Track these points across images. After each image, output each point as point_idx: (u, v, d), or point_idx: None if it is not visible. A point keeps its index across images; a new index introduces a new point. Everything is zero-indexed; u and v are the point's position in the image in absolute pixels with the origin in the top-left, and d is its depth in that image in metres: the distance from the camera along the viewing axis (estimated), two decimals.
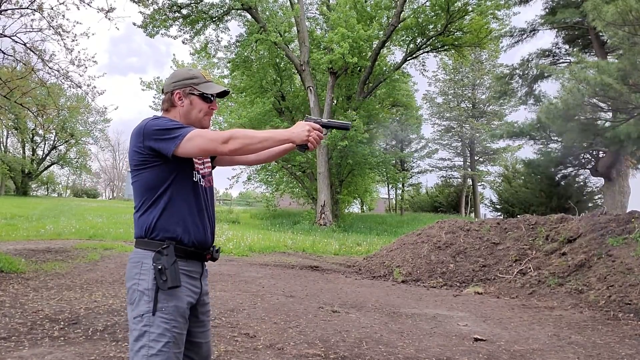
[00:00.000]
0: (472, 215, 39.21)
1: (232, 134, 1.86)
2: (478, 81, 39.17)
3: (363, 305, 6.59)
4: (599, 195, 22.28)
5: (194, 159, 2.04)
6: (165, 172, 1.96)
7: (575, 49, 19.46)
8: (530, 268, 8.73)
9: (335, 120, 2.10)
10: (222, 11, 24.23)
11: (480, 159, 41.34)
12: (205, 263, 2.16)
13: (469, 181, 40.55)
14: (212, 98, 2.13)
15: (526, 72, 20.43)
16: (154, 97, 35.08)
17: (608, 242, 8.20)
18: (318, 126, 1.99)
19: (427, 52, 26.00)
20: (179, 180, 1.98)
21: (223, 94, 2.17)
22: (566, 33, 19.88)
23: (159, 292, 1.87)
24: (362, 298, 7.18)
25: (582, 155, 20.23)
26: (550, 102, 7.99)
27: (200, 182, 2.07)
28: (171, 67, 32.01)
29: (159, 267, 1.87)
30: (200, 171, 2.09)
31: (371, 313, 6.12)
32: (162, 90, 2.17)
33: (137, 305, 1.88)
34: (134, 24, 22.89)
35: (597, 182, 22.06)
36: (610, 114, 10.97)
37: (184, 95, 2.10)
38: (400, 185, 39.13)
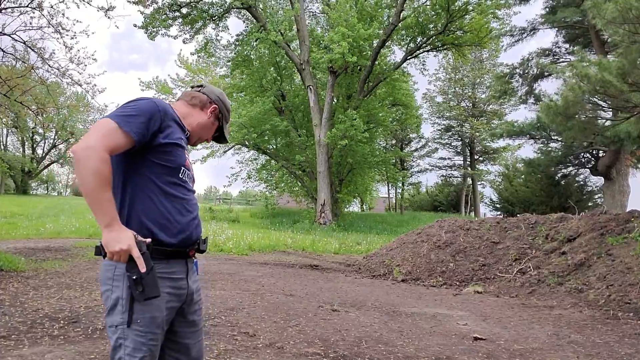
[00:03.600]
0: (472, 214, 39.22)
1: (93, 163, 1.63)
2: (478, 80, 39.17)
3: (363, 304, 6.59)
4: (599, 195, 22.30)
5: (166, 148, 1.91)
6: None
7: (576, 48, 19.46)
8: (530, 267, 8.73)
9: (152, 281, 1.69)
10: (221, 10, 24.21)
11: (480, 158, 41.35)
12: (193, 258, 2.04)
13: (469, 180, 40.56)
14: (216, 134, 2.25)
15: (526, 71, 20.44)
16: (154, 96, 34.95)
17: (608, 242, 8.21)
18: (137, 253, 1.66)
19: (427, 51, 25.99)
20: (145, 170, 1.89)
21: (223, 141, 2.32)
22: (566, 32, 19.88)
23: (134, 302, 1.70)
24: (362, 297, 7.18)
25: (582, 154, 20.25)
26: (550, 100, 7.99)
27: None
28: (175, 61, 31.90)
29: (134, 277, 1.66)
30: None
31: (371, 312, 6.12)
32: (202, 87, 2.22)
33: (111, 313, 1.74)
34: (135, 25, 22.89)
35: (597, 181, 22.08)
36: (610, 113, 10.98)
37: (215, 114, 2.18)
38: (400, 185, 39.15)
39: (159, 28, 23.07)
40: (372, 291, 7.87)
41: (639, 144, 15.58)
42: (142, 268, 1.64)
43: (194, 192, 2.06)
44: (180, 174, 1.91)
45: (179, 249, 1.87)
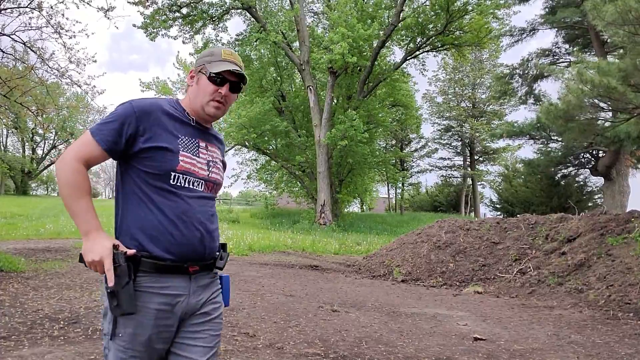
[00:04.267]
0: (472, 214, 39.23)
1: (64, 175, 1.63)
2: (478, 81, 39.18)
3: (363, 305, 6.59)
4: (599, 195, 22.30)
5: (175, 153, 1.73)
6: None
7: (575, 49, 19.47)
8: (530, 267, 8.73)
9: (127, 296, 1.58)
10: (221, 10, 24.23)
11: (480, 159, 41.35)
12: (211, 273, 1.85)
13: (469, 181, 40.57)
14: (218, 79, 1.82)
15: (526, 71, 20.45)
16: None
17: (608, 242, 8.20)
18: (108, 266, 1.55)
19: (427, 51, 26.00)
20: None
21: (237, 83, 1.87)
22: (566, 32, 19.89)
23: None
24: (362, 297, 7.18)
25: (582, 154, 20.25)
26: (551, 103, 7.99)
27: (182, 181, 1.74)
28: (173, 64, 31.85)
29: (108, 290, 1.56)
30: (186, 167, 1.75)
31: (371, 312, 6.12)
32: None
33: (103, 319, 1.69)
34: (134, 25, 22.90)
35: (597, 181, 22.08)
36: (610, 114, 10.98)
37: (196, 73, 1.88)
38: (400, 185, 39.15)
39: (159, 29, 23.08)
40: (372, 291, 7.87)
41: (638, 144, 15.59)
42: (110, 282, 1.53)
43: (209, 198, 1.83)
44: (172, 180, 1.70)
45: (175, 264, 1.68)
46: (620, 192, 17.15)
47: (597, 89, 7.06)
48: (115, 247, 1.59)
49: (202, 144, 1.85)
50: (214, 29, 25.54)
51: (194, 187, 1.76)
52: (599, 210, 9.74)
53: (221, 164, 1.96)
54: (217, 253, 1.86)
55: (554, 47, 20.64)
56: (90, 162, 1.68)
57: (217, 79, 1.82)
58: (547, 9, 19.31)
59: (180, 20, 23.43)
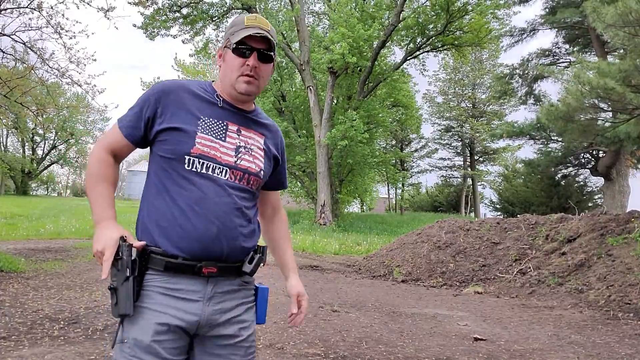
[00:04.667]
0: (472, 214, 39.23)
1: (89, 164, 1.59)
2: (478, 81, 39.19)
3: (363, 305, 6.59)
4: (599, 195, 22.29)
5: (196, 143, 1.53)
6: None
7: (575, 49, 19.48)
8: (530, 268, 8.73)
9: (124, 296, 1.41)
10: (222, 11, 24.23)
11: (480, 159, 41.37)
12: (238, 279, 1.58)
13: (469, 181, 40.57)
14: (243, 50, 1.58)
15: (526, 72, 20.45)
16: None
17: (608, 242, 8.20)
18: (107, 257, 1.38)
19: (427, 51, 26.00)
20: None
21: (266, 50, 1.60)
22: (566, 33, 19.89)
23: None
24: (362, 297, 7.18)
25: (582, 155, 20.25)
26: (551, 104, 8.00)
27: (202, 169, 1.51)
28: (172, 66, 31.84)
29: (110, 286, 1.42)
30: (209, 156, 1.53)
31: (371, 312, 6.12)
32: None
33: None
34: (134, 25, 22.91)
35: (597, 181, 22.07)
36: (610, 114, 10.98)
37: (222, 50, 1.66)
38: (400, 185, 39.16)
39: (159, 29, 23.08)
40: (372, 292, 7.87)
41: (638, 144, 15.58)
42: (104, 274, 1.36)
43: (237, 189, 1.56)
44: (186, 165, 1.50)
45: (187, 262, 1.46)
46: (620, 192, 17.14)
47: (596, 90, 7.07)
48: (122, 238, 1.42)
49: (233, 127, 1.61)
50: (215, 29, 25.53)
51: (215, 175, 1.52)
52: (599, 210, 9.75)
53: (261, 152, 1.67)
54: (247, 256, 1.58)
55: (554, 47, 20.66)
56: (116, 151, 1.59)
57: (243, 50, 1.57)
58: (547, 10, 19.32)
59: (180, 20, 23.44)
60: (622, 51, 7.38)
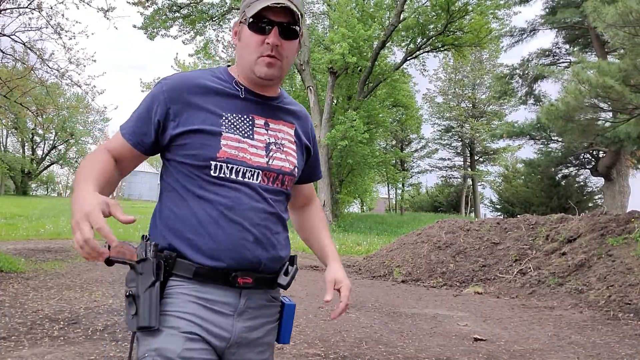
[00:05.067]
0: (472, 215, 39.22)
1: (80, 163, 1.33)
2: (478, 81, 39.19)
3: (363, 305, 6.59)
4: (599, 195, 22.28)
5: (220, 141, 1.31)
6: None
7: (575, 49, 19.48)
8: (530, 268, 8.72)
9: (148, 304, 1.18)
10: (222, 11, 24.24)
11: (480, 159, 41.36)
12: (269, 292, 1.39)
13: (469, 181, 40.57)
14: (261, 25, 1.32)
15: (526, 72, 20.45)
16: None
17: (608, 242, 8.20)
18: (93, 224, 1.04)
19: (427, 52, 26.00)
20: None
21: (289, 24, 1.33)
22: (566, 33, 19.89)
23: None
24: (362, 298, 7.18)
25: (583, 155, 20.24)
26: (551, 104, 8.00)
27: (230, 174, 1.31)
28: (172, 66, 31.67)
29: (127, 293, 1.20)
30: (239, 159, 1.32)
31: (371, 313, 6.11)
32: None
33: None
34: (134, 26, 22.91)
35: (598, 182, 22.07)
36: (610, 114, 10.98)
37: (237, 27, 1.41)
38: (400, 185, 39.16)
39: (159, 29, 23.08)
40: (372, 292, 7.87)
41: (638, 144, 15.57)
42: (112, 240, 1.07)
43: (270, 191, 1.37)
44: (213, 171, 1.29)
45: (219, 271, 1.27)
46: (620, 192, 17.14)
47: (595, 89, 7.07)
48: (144, 237, 1.27)
49: (260, 121, 1.39)
50: (215, 30, 25.53)
51: (246, 179, 1.32)
52: (600, 210, 9.75)
53: (293, 145, 1.46)
54: (282, 266, 1.40)
55: (554, 47, 20.66)
56: (121, 159, 1.35)
57: (261, 25, 1.31)
58: (547, 10, 19.32)
59: (180, 20, 23.43)
60: (621, 51, 7.38)
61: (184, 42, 24.92)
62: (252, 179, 1.33)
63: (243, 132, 1.35)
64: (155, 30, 23.07)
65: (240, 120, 1.36)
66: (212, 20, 24.32)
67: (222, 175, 1.30)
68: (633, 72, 7.00)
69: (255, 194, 1.33)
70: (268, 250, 1.33)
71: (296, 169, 1.44)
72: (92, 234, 1.02)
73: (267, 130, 1.40)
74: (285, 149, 1.42)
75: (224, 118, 1.34)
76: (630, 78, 7.10)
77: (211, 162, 1.29)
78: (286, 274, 1.39)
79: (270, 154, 1.38)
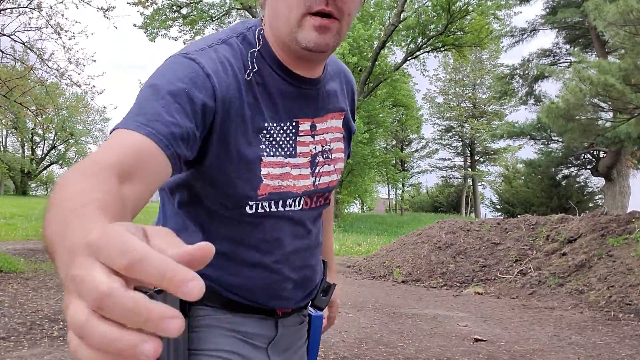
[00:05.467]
0: (473, 215, 39.22)
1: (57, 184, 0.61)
2: (478, 81, 39.18)
3: (363, 306, 6.57)
4: (600, 196, 22.27)
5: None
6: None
7: (576, 49, 19.48)
8: (530, 268, 8.71)
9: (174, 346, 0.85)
10: (222, 11, 24.23)
11: (481, 159, 41.35)
12: (302, 318, 1.16)
13: (469, 181, 40.56)
14: None
15: (526, 72, 20.45)
16: None
17: (608, 242, 8.19)
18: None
19: (428, 52, 25.99)
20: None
21: None
22: (567, 33, 19.89)
23: None
24: (362, 298, 7.16)
25: (583, 155, 20.23)
26: (552, 102, 8.00)
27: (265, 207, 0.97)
28: None
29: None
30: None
31: (371, 313, 6.10)
32: None
33: None
34: (134, 25, 22.91)
35: (598, 182, 22.05)
36: (610, 114, 10.97)
37: None
38: (401, 185, 39.15)
39: (159, 29, 23.09)
40: (372, 292, 7.86)
41: (639, 144, 15.55)
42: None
43: (311, 216, 1.06)
44: (249, 209, 0.95)
45: (253, 304, 1.02)
46: (621, 192, 17.13)
47: (596, 88, 7.07)
48: None
49: (305, 125, 0.99)
50: (215, 29, 25.52)
51: (287, 209, 0.99)
52: (600, 210, 9.74)
53: (341, 144, 1.10)
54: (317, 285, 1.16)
55: (554, 47, 20.66)
56: (134, 182, 0.69)
57: None
58: (547, 10, 19.32)
59: (180, 20, 23.43)
60: (622, 50, 7.38)
61: (184, 43, 24.92)
62: (294, 207, 1.00)
63: (286, 149, 0.96)
64: (155, 30, 23.07)
65: (282, 131, 0.96)
66: (213, 21, 24.31)
67: (259, 211, 0.95)
68: (634, 71, 7.00)
69: (298, 227, 1.03)
70: (307, 287, 1.11)
71: (339, 176, 1.12)
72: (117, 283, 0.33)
73: (313, 136, 1.01)
74: (333, 156, 1.07)
75: (265, 133, 0.93)
76: (630, 77, 7.10)
77: (248, 201, 0.93)
78: (325, 293, 1.17)
79: (317, 170, 1.02)
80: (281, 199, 0.97)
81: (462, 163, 42.14)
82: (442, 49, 25.57)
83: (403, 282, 9.22)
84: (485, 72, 38.16)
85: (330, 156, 1.06)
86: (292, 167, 0.97)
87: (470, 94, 39.88)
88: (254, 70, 0.93)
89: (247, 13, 24.58)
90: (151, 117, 0.75)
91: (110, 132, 0.76)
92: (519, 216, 11.44)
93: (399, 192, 41.82)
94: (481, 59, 38.08)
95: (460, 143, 41.51)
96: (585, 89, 7.29)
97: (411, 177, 41.98)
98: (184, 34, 24.34)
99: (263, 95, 0.93)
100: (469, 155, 40.95)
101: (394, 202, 45.67)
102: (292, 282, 1.05)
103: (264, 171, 0.92)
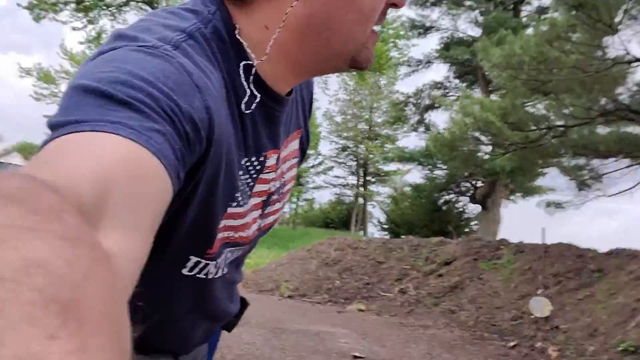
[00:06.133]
0: (361, 233, 40.57)
1: None
2: (375, 105, 40.84)
3: (247, 321, 6.42)
4: (475, 222, 24.09)
5: None
6: None
7: (464, 84, 21.08)
8: (410, 287, 9.13)
9: None
10: (120, 1, 22.98)
11: (372, 180, 42.99)
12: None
13: (360, 200, 41.97)
14: None
15: (419, 101, 21.69)
16: (34, 85, 29.05)
17: (480, 266, 8.84)
18: None
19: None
20: None
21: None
22: (457, 68, 21.46)
23: None
24: (247, 313, 6.98)
25: (463, 183, 21.80)
26: (439, 132, 8.58)
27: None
28: (57, 53, 29.04)
29: None
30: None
31: (255, 329, 5.98)
32: None
33: None
34: (19, 5, 20.93)
35: (475, 209, 23.87)
36: (490, 148, 11.94)
37: None
38: (295, 200, 39.48)
39: (47, 11, 21.31)
40: (258, 307, 7.73)
41: (512, 177, 17.10)
42: None
43: (240, 262, 0.91)
44: (187, 269, 0.73)
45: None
46: (493, 220, 18.64)
47: (478, 123, 7.67)
48: None
49: (272, 159, 0.77)
50: (112, 20, 24.10)
51: (222, 261, 0.79)
52: (474, 236, 10.51)
53: (295, 168, 0.95)
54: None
55: (445, 80, 22.19)
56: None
57: None
58: (441, 45, 20.74)
59: (72, 5, 21.81)
60: (503, 91, 8.08)
61: (74, 29, 23.21)
62: (232, 255, 0.81)
63: (244, 193, 0.74)
64: (42, 12, 21.25)
65: (249, 170, 0.74)
66: (108, 10, 22.93)
67: (195, 271, 0.74)
68: (511, 111, 7.66)
69: (222, 279, 0.82)
70: (220, 325, 1.01)
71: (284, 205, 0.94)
72: None
73: (277, 169, 0.80)
74: (287, 186, 0.89)
75: (240, 180, 0.72)
76: (508, 116, 7.76)
77: (192, 258, 0.72)
78: (238, 315, 1.05)
79: (267, 210, 0.83)
80: (223, 251, 0.76)
81: (355, 182, 43.55)
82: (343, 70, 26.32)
83: (289, 297, 9.20)
84: (382, 97, 39.89)
85: (283, 190, 0.86)
86: (244, 215, 0.75)
87: (367, 117, 41.46)
88: (250, 96, 0.66)
89: (149, 8, 23.57)
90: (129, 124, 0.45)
91: (55, 138, 0.43)
92: (403, 237, 11.99)
93: (293, 206, 42.16)
94: (379, 84, 39.84)
95: (355, 162, 42.89)
96: (469, 123, 7.87)
97: (306, 192, 42.53)
98: (75, 19, 22.64)
99: (248, 128, 0.69)
100: (362, 175, 42.42)
101: (287, 216, 45.91)
102: (206, 327, 0.92)
103: (222, 223, 0.71)
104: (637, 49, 9.49)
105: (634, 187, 10.55)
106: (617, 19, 7.42)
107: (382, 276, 9.76)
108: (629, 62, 8.35)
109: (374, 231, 35.43)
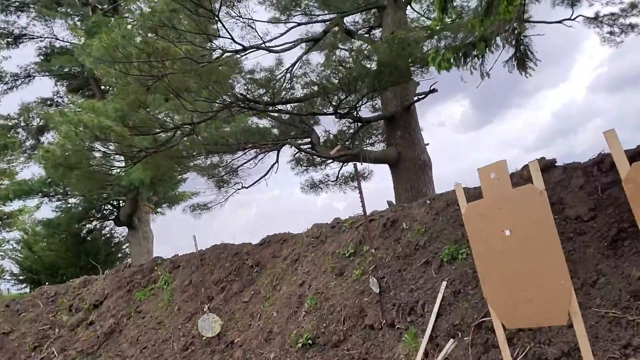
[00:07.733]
0: None
1: None
2: None
3: None
4: (127, 244, 22.34)
5: None
6: None
7: (81, 100, 18.82)
8: (54, 353, 7.07)
9: None
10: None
11: None
12: None
13: None
14: None
15: (29, 122, 18.40)
16: None
17: (135, 298, 7.51)
18: None
19: None
20: None
21: None
22: (69, 82, 19.03)
23: None
24: None
25: (104, 206, 19.77)
26: (46, 149, 6.77)
27: None
28: None
29: None
30: None
31: None
32: None
33: None
34: None
35: (123, 231, 22.06)
36: (121, 162, 10.59)
37: None
38: None
39: None
40: None
41: (153, 189, 16.18)
42: None
43: None
44: None
45: None
46: (144, 238, 17.43)
47: (93, 131, 6.27)
48: None
49: None
50: None
51: None
52: (124, 264, 9.05)
53: None
54: None
55: (55, 96, 19.39)
56: None
57: None
58: (41, 56, 17.92)
59: None
60: (115, 90, 6.89)
61: None
62: None
63: None
64: None
65: None
66: None
67: None
68: (129, 113, 6.54)
69: None
70: None
71: None
72: None
73: None
74: None
75: None
76: (127, 119, 6.62)
77: None
78: None
79: None
80: None
81: None
82: None
83: None
84: None
85: None
86: None
87: None
88: None
89: None
90: None
91: None
92: (35, 290, 9.51)
93: None
94: None
95: None
96: (82, 132, 6.37)
97: None
98: None
99: None
100: None
101: None
102: None
103: None
104: (243, 37, 9.71)
105: (266, 174, 11.06)
106: (217, 5, 7.15)
107: (12, 351, 7.31)
108: (237, 52, 8.35)
109: (8, 287, 29.22)
